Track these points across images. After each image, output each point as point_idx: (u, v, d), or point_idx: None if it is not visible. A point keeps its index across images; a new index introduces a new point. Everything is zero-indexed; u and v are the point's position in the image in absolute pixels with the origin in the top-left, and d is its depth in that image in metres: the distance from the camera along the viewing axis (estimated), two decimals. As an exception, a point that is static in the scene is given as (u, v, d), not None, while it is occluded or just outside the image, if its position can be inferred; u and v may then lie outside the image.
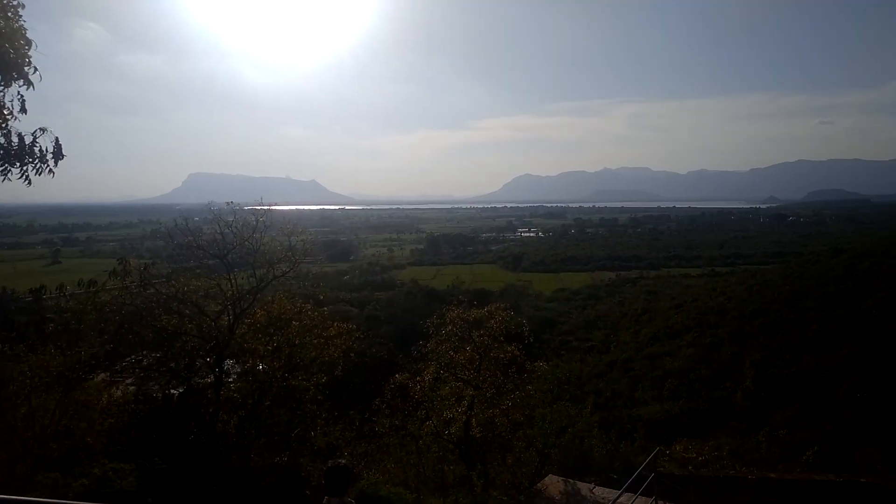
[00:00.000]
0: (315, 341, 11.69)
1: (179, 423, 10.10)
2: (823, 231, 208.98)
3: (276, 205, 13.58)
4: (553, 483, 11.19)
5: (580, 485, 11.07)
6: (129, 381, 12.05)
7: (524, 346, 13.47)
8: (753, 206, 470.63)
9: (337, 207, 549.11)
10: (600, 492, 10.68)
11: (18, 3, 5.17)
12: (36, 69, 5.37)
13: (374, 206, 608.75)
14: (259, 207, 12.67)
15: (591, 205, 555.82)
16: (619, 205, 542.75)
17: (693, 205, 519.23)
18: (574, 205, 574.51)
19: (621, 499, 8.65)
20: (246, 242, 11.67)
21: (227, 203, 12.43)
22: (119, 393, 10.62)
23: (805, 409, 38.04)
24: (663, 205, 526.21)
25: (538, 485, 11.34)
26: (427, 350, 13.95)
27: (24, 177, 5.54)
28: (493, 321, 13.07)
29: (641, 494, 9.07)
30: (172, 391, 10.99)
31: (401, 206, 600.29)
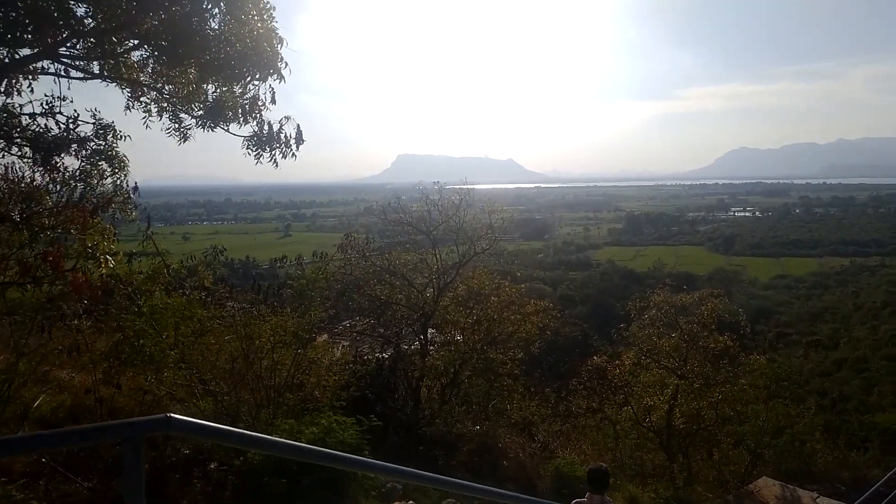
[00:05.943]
0: (512, 317, 11.94)
1: (390, 383, 11.00)
2: None
3: (476, 184, 14.08)
4: (767, 486, 10.18)
5: (801, 492, 9.92)
6: (345, 343, 13.46)
7: (737, 337, 12.38)
8: None
9: (532, 186, 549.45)
10: (825, 503, 9.46)
11: (271, 5, 5.88)
12: (287, 64, 6.09)
13: (570, 184, 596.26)
14: (461, 187, 13.21)
15: (821, 181, 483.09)
16: (857, 181, 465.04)
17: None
18: (800, 181, 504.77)
19: (854, 515, 7.58)
20: (450, 220, 12.24)
21: (434, 183, 13.14)
22: (339, 353, 11.87)
23: None
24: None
25: (750, 486, 10.41)
26: (628, 334, 13.48)
27: (272, 160, 6.40)
28: (702, 308, 12.19)
29: (880, 514, 7.85)
30: (383, 355, 12.03)
31: (598, 184, 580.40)
